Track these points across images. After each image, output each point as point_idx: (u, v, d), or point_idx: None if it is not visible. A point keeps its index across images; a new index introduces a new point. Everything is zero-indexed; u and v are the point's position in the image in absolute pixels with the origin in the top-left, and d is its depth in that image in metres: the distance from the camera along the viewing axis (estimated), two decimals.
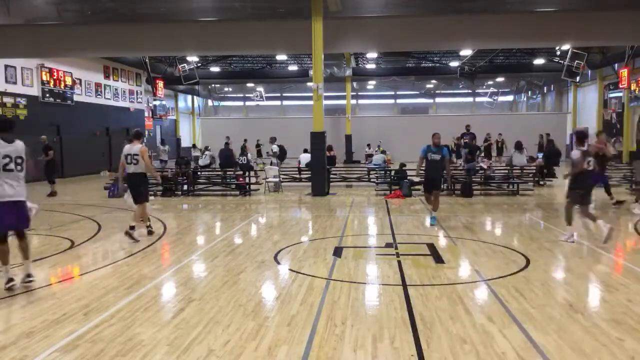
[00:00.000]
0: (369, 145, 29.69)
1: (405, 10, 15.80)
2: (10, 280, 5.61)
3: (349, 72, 31.58)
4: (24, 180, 5.72)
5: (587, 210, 7.73)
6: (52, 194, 14.61)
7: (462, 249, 7.45)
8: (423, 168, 9.63)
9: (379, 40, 16.69)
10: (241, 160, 16.58)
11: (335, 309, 4.83)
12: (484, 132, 23.06)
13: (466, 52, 26.79)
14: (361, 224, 10.14)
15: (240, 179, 15.37)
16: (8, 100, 19.18)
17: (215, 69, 33.16)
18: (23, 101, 19.91)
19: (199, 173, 16.79)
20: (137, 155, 8.40)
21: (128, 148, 8.47)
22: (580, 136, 8.01)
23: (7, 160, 5.57)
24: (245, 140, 21.19)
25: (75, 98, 23.08)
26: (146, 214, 8.72)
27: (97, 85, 25.43)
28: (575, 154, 7.82)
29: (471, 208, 11.77)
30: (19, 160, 5.66)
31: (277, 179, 15.81)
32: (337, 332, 4.27)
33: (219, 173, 16.74)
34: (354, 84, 38.27)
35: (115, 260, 6.97)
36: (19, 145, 5.74)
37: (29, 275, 5.81)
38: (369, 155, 27.00)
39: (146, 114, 30.76)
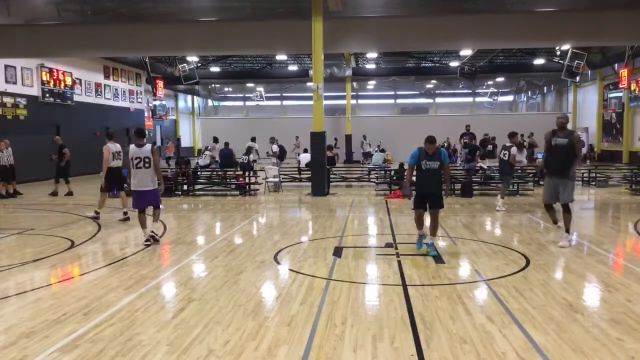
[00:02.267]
0: (365, 138, 29.67)
1: (405, 10, 15.78)
2: (148, 240, 7.84)
3: (349, 72, 31.58)
4: (152, 173, 7.82)
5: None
6: (69, 193, 14.71)
7: (462, 249, 7.45)
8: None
9: (379, 40, 16.69)
10: (242, 160, 16.56)
11: (335, 309, 4.83)
12: (484, 132, 23.06)
13: (466, 52, 26.78)
14: (361, 224, 10.14)
15: (240, 179, 15.37)
16: (8, 100, 19.16)
17: (215, 69, 33.14)
18: (23, 101, 19.89)
19: (199, 173, 16.78)
20: (121, 152, 10.42)
21: (114, 146, 10.33)
22: (509, 134, 11.66)
23: (138, 160, 7.68)
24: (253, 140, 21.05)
25: (75, 98, 23.05)
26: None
27: (97, 85, 25.41)
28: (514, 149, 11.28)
29: (471, 208, 11.77)
30: (146, 160, 7.72)
31: (277, 179, 15.81)
32: (337, 332, 4.27)
33: (219, 173, 16.73)
34: (354, 84, 38.24)
35: (115, 260, 6.97)
36: (146, 148, 7.80)
37: (152, 232, 8.01)
38: (368, 154, 27.04)
39: (146, 114, 30.73)
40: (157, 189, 7.95)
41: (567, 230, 7.49)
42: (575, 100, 33.73)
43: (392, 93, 45.36)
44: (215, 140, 20.26)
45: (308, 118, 16.59)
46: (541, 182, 16.89)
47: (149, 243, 7.81)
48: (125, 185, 9.83)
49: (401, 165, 15.35)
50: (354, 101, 42.28)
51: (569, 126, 33.05)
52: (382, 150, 21.70)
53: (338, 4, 14.35)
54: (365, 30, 15.88)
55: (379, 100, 46.59)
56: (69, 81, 22.40)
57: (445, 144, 25.69)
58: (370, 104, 46.33)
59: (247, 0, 15.54)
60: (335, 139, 28.83)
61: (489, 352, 3.85)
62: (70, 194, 14.66)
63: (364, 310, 4.84)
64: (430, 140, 6.98)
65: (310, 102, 15.85)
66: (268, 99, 41.70)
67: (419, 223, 7.25)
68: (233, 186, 15.65)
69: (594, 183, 16.34)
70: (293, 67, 34.36)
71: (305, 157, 17.24)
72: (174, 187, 14.98)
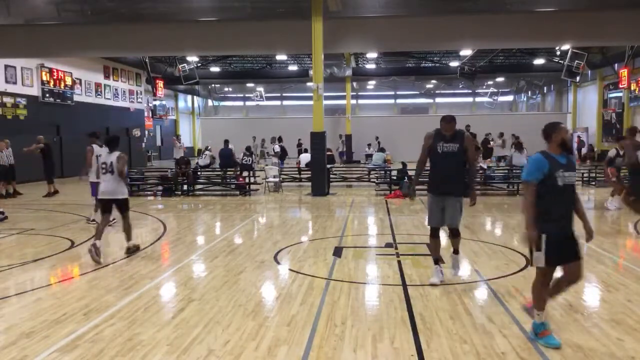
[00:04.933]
0: (369, 145, 29.67)
1: (405, 10, 15.79)
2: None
3: (349, 72, 31.58)
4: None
5: None
6: (49, 194, 14.68)
7: (462, 249, 7.43)
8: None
9: (379, 40, 16.69)
10: (245, 161, 16.52)
11: (335, 309, 4.83)
12: (484, 132, 23.04)
13: (466, 52, 26.79)
14: (361, 224, 10.13)
15: (240, 179, 15.36)
16: (8, 100, 19.17)
17: (215, 69, 33.16)
18: (23, 101, 19.90)
19: (199, 173, 16.78)
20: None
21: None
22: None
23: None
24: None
25: (75, 98, 23.07)
26: None
27: (97, 85, 25.42)
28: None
29: (471, 208, 11.73)
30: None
31: (277, 179, 15.80)
32: (337, 332, 4.27)
33: (219, 173, 16.74)
34: (354, 84, 38.26)
35: (115, 260, 6.97)
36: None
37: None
38: (369, 156, 27.01)
39: (146, 114, 30.75)
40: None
41: (456, 251, 5.79)
42: (575, 100, 33.74)
43: (392, 93, 45.40)
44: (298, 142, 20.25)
45: (308, 118, 16.60)
46: None
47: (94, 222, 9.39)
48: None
49: (404, 165, 15.32)
50: (354, 101, 42.30)
51: (569, 126, 32.56)
52: (382, 150, 21.67)
53: (338, 4, 14.35)
54: (365, 30, 15.88)
55: (379, 100, 46.62)
56: (69, 81, 22.42)
57: None
58: (370, 104, 46.36)
59: (247, 0, 15.54)
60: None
61: (489, 352, 3.85)
62: (50, 194, 14.64)
63: (364, 310, 4.84)
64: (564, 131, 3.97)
65: (310, 102, 15.86)
66: (268, 99, 41.71)
67: (549, 295, 4.15)
68: (233, 186, 15.64)
69: (593, 183, 16.34)
70: (293, 67, 34.37)
71: (305, 157, 17.23)
72: (174, 187, 14.98)
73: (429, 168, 5.62)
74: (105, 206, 7.29)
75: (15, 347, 4.03)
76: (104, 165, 7.28)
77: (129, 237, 7.31)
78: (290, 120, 33.65)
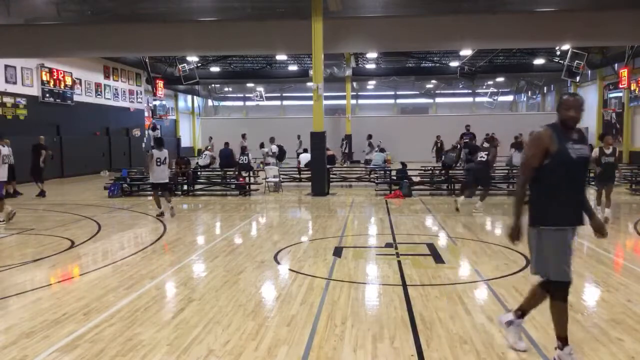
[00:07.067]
0: (370, 144, 29.61)
1: (405, 10, 15.79)
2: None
3: (349, 72, 31.56)
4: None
5: None
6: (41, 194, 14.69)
7: (462, 249, 7.44)
8: None
9: (379, 40, 16.69)
10: (241, 160, 16.55)
11: (335, 309, 4.83)
12: (484, 132, 23.05)
13: (466, 52, 26.77)
14: (361, 224, 10.13)
15: (241, 179, 15.36)
16: (8, 100, 19.15)
17: (215, 69, 33.14)
18: (23, 101, 19.89)
19: (199, 173, 16.77)
20: None
21: None
22: None
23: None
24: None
25: (75, 98, 23.04)
26: None
27: (97, 85, 25.40)
28: None
29: (471, 208, 11.75)
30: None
31: (277, 179, 15.80)
32: (337, 332, 4.27)
33: (219, 173, 16.73)
34: (354, 84, 38.21)
35: (115, 260, 6.97)
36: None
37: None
38: (369, 160, 26.97)
39: (146, 114, 30.74)
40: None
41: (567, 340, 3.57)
42: None
43: (392, 93, 45.36)
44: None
45: (308, 118, 16.60)
46: None
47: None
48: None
49: (403, 165, 15.32)
50: (354, 101, 42.26)
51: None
52: (382, 150, 21.66)
53: (338, 4, 14.35)
54: (365, 30, 15.88)
55: (379, 100, 46.58)
56: (69, 81, 22.40)
57: (439, 143, 25.51)
58: (370, 104, 46.32)
59: (247, 0, 15.55)
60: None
61: (489, 352, 3.85)
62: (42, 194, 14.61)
63: (364, 310, 4.84)
64: None
65: (310, 102, 15.86)
66: (268, 99, 41.68)
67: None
68: (233, 186, 15.64)
69: (593, 183, 16.33)
70: (293, 67, 34.36)
71: (305, 157, 17.23)
72: (174, 187, 14.96)
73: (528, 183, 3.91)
74: (155, 187, 10.52)
75: (15, 347, 4.03)
76: (159, 160, 10.19)
77: (168, 201, 10.64)
78: (290, 120, 33.63)
